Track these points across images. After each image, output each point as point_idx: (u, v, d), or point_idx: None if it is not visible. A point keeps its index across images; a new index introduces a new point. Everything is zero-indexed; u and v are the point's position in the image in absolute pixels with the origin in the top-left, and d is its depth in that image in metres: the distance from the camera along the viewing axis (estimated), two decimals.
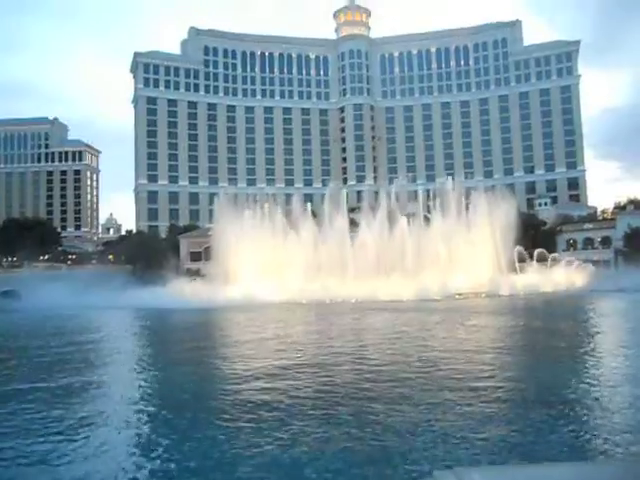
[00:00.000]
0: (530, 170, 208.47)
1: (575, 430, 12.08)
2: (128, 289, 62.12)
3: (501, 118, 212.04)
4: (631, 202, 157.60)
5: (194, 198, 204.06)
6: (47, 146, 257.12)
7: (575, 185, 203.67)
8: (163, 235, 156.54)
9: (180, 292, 60.04)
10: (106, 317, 48.39)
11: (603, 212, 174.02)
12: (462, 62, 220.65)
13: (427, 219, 74.84)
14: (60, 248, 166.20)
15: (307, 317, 42.39)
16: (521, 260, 74.24)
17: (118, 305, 55.42)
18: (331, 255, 67.05)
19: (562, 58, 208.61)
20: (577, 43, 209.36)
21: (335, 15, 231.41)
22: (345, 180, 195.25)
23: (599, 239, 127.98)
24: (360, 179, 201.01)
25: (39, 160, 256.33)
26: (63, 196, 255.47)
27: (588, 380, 16.76)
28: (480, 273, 65.97)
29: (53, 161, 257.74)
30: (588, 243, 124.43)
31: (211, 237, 70.42)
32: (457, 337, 26.64)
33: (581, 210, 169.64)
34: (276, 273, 66.41)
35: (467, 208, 75.54)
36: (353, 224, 73.68)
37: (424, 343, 24.27)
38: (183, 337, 33.93)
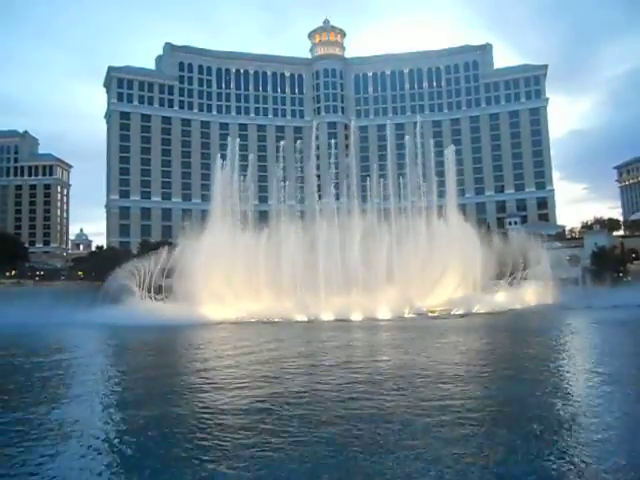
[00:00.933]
0: (500, 190, 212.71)
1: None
2: (95, 306, 60.41)
3: (472, 138, 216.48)
4: (597, 222, 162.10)
5: (167, 214, 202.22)
6: (16, 160, 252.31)
7: (544, 205, 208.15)
8: (135, 252, 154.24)
9: (146, 310, 58.81)
10: (66, 335, 46.98)
11: (571, 231, 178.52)
12: (434, 83, 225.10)
13: (399, 237, 75.36)
14: (28, 264, 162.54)
15: (278, 337, 41.88)
16: (493, 277, 75.12)
17: (79, 322, 53.80)
18: (305, 272, 66.75)
19: (530, 81, 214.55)
20: (545, 67, 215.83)
21: (310, 35, 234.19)
22: (320, 197, 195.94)
23: (567, 257, 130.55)
24: (334, 197, 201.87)
25: (8, 174, 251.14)
26: (32, 211, 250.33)
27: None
28: (452, 291, 66.57)
29: (22, 175, 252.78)
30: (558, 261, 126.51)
31: (179, 253, 69.07)
32: (452, 363, 26.25)
33: (550, 229, 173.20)
34: (250, 291, 65.79)
35: (439, 226, 76.35)
36: (327, 242, 73.47)
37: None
38: (130, 361, 31.24)
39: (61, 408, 17.73)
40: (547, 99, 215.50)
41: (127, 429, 15.09)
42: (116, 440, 13.85)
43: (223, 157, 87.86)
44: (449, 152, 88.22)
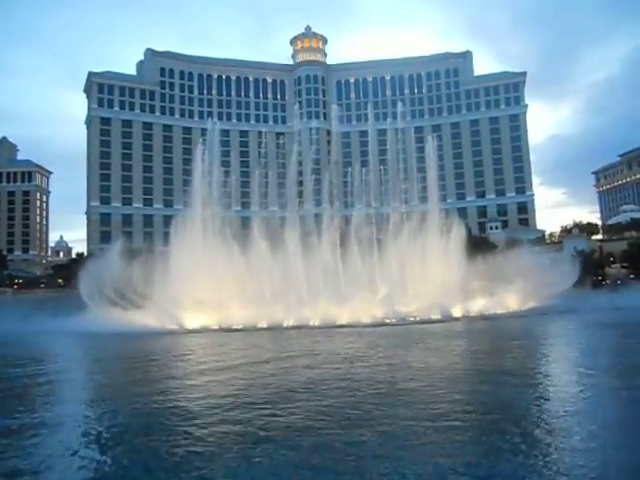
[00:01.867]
0: (481, 195, 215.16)
1: None
2: (69, 314, 59.18)
3: (453, 144, 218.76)
4: (576, 226, 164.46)
5: (148, 220, 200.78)
6: None
7: (524, 209, 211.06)
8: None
9: (123, 318, 57.89)
10: (38, 345, 45.98)
11: (551, 235, 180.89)
12: (416, 90, 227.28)
13: (380, 242, 75.73)
14: (6, 272, 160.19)
15: (260, 345, 41.71)
16: (475, 282, 75.58)
17: (54, 331, 52.74)
18: (288, 278, 66.66)
19: (510, 88, 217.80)
20: (524, 74, 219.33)
21: (292, 42, 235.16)
22: (301, 203, 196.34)
23: (548, 261, 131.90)
24: (316, 203, 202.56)
25: None
26: (11, 218, 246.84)
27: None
28: (433, 296, 66.87)
29: (0, 182, 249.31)
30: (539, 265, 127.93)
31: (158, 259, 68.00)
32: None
33: (530, 234, 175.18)
34: (233, 297, 65.31)
35: (420, 232, 76.81)
36: (309, 248, 73.66)
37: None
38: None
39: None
40: (526, 105, 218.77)
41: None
42: None
43: (204, 139, 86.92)
44: (429, 146, 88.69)
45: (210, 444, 13.59)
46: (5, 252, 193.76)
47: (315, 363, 28.60)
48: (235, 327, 57.27)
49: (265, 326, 57.37)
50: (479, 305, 66.83)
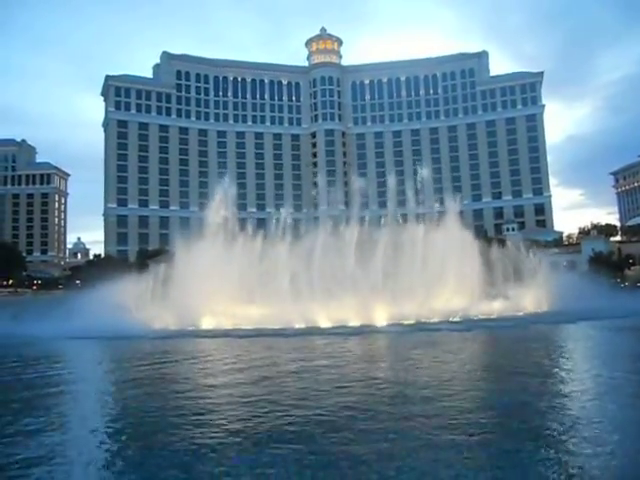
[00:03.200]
0: (498, 196, 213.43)
1: None
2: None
3: (469, 145, 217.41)
4: (594, 227, 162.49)
5: (164, 222, 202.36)
6: (14, 168, 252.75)
7: (541, 211, 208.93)
8: (132, 260, 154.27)
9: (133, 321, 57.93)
10: (58, 347, 46.07)
11: (569, 237, 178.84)
12: (431, 90, 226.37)
13: (395, 243, 75.21)
14: (25, 273, 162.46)
15: (280, 349, 41.62)
16: (491, 285, 74.86)
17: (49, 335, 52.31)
18: (300, 280, 66.54)
19: (526, 88, 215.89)
20: (540, 74, 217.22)
21: (307, 43, 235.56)
22: (316, 205, 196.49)
23: (565, 263, 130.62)
24: (331, 204, 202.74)
25: (5, 183, 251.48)
26: (30, 220, 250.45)
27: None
28: (450, 298, 66.37)
29: (20, 184, 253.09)
30: (555, 267, 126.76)
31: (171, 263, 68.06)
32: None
33: (547, 235, 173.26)
34: (246, 298, 65.39)
35: (436, 232, 76.23)
36: (323, 249, 73.48)
37: None
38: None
39: None
40: (543, 106, 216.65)
41: None
42: None
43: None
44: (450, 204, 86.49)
45: None
46: (24, 253, 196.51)
47: (336, 378, 28.33)
48: (248, 328, 57.27)
49: (277, 327, 57.29)
50: (495, 308, 66.12)
